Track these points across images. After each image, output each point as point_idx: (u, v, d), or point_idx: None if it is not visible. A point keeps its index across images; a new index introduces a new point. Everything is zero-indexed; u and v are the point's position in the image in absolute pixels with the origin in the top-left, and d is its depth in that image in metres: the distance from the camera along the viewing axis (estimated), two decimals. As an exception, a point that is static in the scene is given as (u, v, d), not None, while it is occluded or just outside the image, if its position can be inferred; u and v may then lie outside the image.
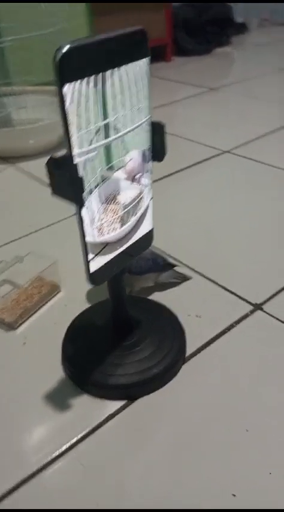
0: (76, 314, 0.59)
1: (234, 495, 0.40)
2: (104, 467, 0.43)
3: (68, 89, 0.33)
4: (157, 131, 0.42)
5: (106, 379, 0.49)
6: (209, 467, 0.42)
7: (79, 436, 0.46)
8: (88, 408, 0.48)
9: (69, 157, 0.35)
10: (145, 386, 0.49)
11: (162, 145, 0.43)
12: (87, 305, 0.61)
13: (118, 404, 0.49)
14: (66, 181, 0.36)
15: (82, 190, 0.36)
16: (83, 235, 0.39)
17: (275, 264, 0.67)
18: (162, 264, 0.62)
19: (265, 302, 0.60)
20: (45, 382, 0.51)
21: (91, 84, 0.34)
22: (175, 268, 0.64)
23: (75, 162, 0.35)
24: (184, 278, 0.65)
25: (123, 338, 0.53)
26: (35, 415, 0.48)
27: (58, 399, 0.50)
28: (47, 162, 0.37)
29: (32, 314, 0.62)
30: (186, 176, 0.96)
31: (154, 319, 0.56)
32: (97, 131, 0.37)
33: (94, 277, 0.42)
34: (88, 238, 0.40)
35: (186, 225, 0.78)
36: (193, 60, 1.92)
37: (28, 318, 0.61)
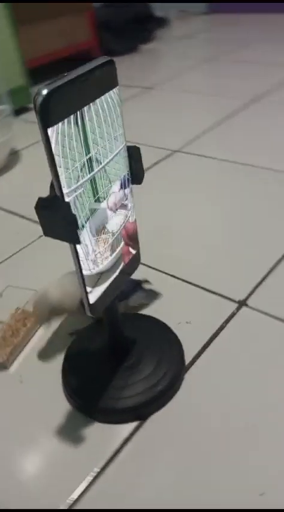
0: (67, 343, 0.58)
1: (262, 494, 0.42)
2: (130, 494, 0.43)
3: (51, 132, 0.32)
4: (133, 155, 0.42)
5: (114, 404, 0.49)
6: (232, 470, 0.44)
7: (99, 466, 0.46)
8: (102, 436, 0.48)
9: (59, 197, 0.35)
10: (154, 404, 0.50)
11: (139, 168, 0.43)
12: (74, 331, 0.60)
13: (130, 426, 0.49)
14: (59, 221, 0.36)
15: (76, 228, 0.36)
16: (80, 270, 0.39)
17: (249, 257, 0.70)
18: (127, 290, 0.61)
19: (247, 298, 0.62)
20: (52, 418, 0.51)
21: (72, 123, 0.34)
22: (143, 283, 0.63)
23: (67, 201, 0.35)
24: (154, 296, 0.64)
25: (122, 360, 0.53)
26: (49, 453, 0.48)
27: (69, 433, 0.49)
28: (36, 204, 0.36)
29: (22, 349, 0.60)
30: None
31: (148, 334, 0.56)
32: (82, 167, 0.36)
33: (94, 308, 0.42)
34: (85, 272, 0.40)
35: (151, 231, 0.79)
36: (120, 61, 1.92)
37: (18, 354, 0.60)
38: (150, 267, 0.70)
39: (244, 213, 0.81)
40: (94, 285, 0.42)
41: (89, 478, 0.45)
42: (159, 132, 1.20)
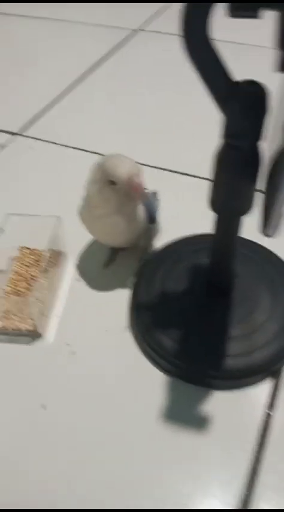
0: (112, 288, 0.41)
1: None
2: None
3: None
4: None
5: (245, 361, 0.35)
6: None
7: (253, 449, 0.32)
8: (236, 409, 0.34)
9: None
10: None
11: None
12: (119, 270, 0.43)
13: (264, 388, 0.35)
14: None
15: None
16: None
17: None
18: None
19: None
20: (153, 398, 0.35)
21: None
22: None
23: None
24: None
25: (228, 299, 0.37)
26: (194, 447, 0.32)
27: (192, 411, 0.34)
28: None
29: (52, 306, 0.41)
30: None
31: (239, 256, 0.41)
32: None
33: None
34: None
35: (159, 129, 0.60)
36: None
37: (48, 313, 0.40)
38: (189, 175, 0.53)
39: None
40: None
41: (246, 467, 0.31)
42: None
